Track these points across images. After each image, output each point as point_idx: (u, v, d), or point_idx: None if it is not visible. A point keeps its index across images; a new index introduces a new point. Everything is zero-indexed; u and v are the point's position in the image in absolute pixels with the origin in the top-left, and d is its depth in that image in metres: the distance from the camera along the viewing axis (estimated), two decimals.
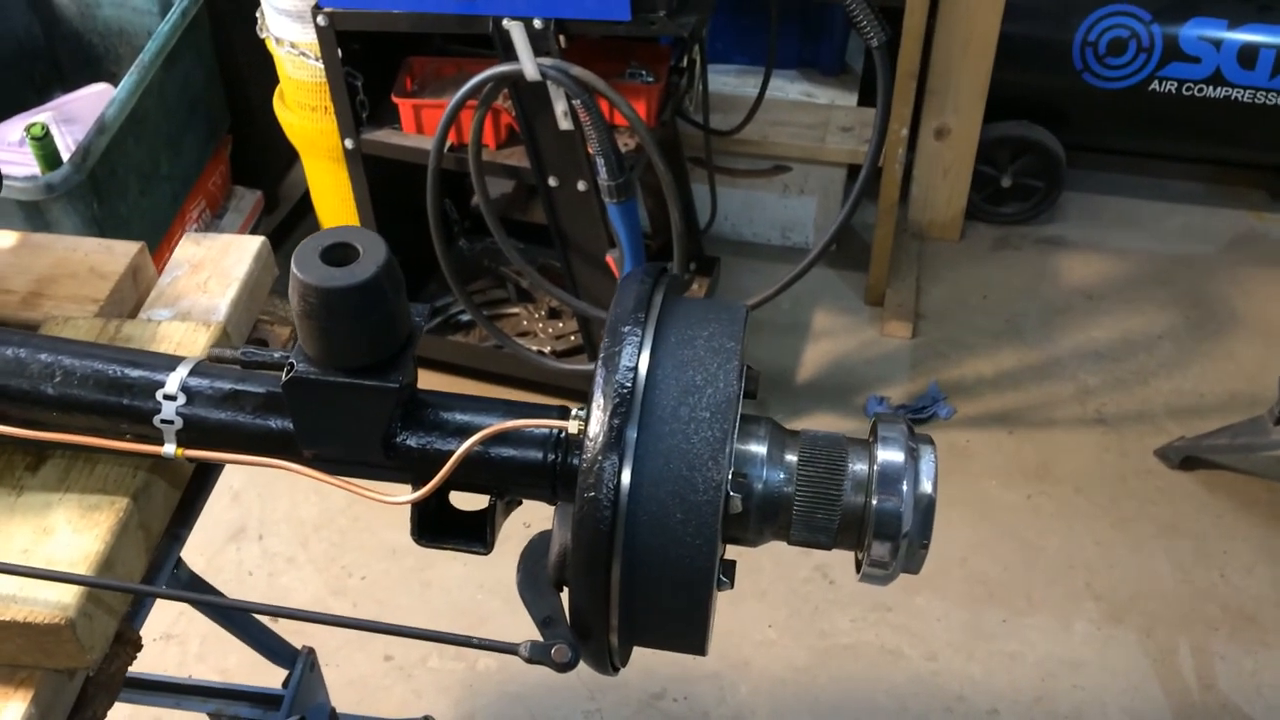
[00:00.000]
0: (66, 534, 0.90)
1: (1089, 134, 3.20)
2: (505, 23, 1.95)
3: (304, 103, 2.40)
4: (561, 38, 1.95)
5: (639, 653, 2.19)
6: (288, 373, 0.82)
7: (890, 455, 0.80)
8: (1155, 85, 2.99)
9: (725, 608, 2.38)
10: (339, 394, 0.82)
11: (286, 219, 3.08)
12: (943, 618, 2.32)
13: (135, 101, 2.37)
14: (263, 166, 3.16)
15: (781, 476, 0.81)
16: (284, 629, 1.71)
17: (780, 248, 3.22)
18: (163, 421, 0.89)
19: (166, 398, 0.89)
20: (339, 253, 0.79)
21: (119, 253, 1.25)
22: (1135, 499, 2.54)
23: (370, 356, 0.81)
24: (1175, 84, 2.98)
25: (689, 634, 0.79)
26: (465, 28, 2.01)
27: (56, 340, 0.93)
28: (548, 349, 2.66)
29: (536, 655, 0.78)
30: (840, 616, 2.34)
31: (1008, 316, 3.02)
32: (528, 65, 1.93)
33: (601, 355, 0.77)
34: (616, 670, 0.84)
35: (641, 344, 0.77)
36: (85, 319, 1.09)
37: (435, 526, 0.90)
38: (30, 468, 0.95)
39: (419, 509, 0.89)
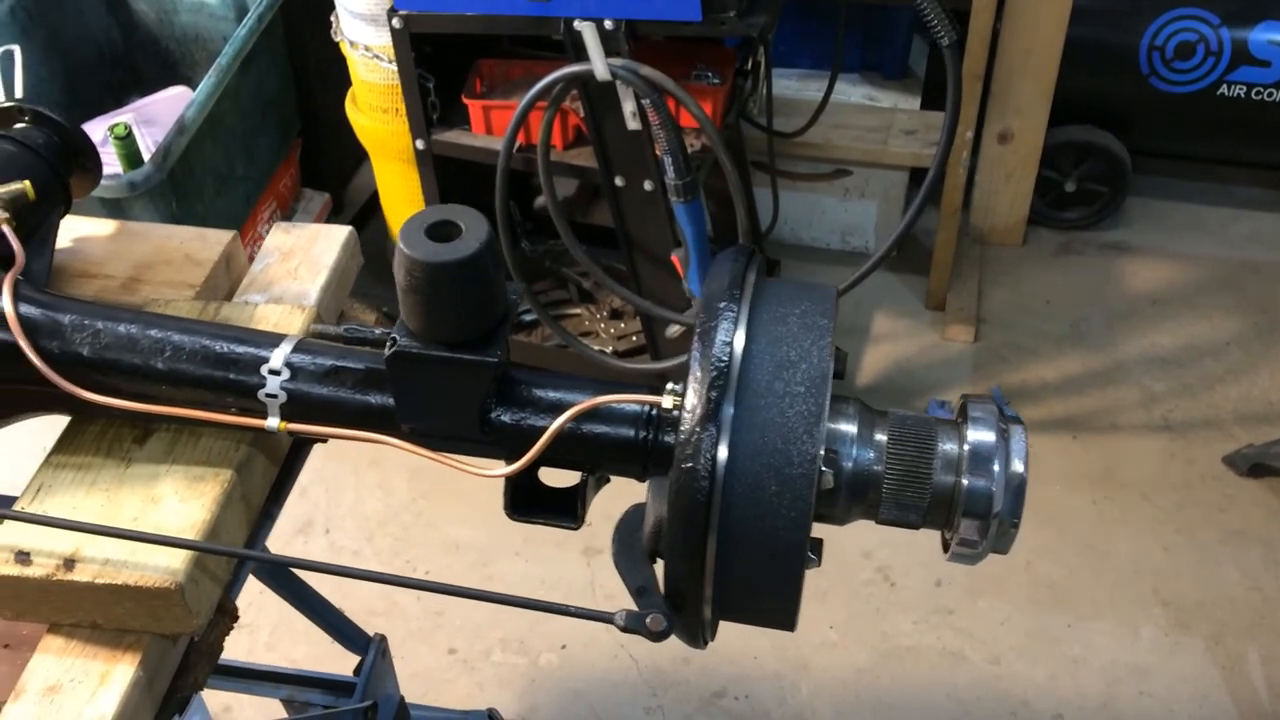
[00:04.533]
0: (174, 503, 0.93)
1: (1155, 139, 3.17)
2: (576, 24, 1.98)
3: (376, 105, 2.45)
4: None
5: (696, 652, 2.19)
6: (390, 347, 0.85)
7: (981, 435, 0.81)
8: (1224, 89, 2.96)
9: None
10: (440, 368, 0.84)
11: (354, 220, 3.13)
12: (1006, 621, 2.31)
13: (213, 104, 2.43)
14: (330, 169, 3.22)
15: (871, 455, 0.83)
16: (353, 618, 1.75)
17: (840, 252, 3.22)
18: (267, 396, 0.92)
19: (271, 372, 0.92)
20: (443, 229, 0.82)
21: (213, 241, 1.29)
22: (1202, 506, 2.51)
23: (470, 332, 0.84)
24: (1244, 88, 2.95)
25: (780, 607, 0.80)
26: (536, 29, 2.04)
27: (164, 318, 0.97)
28: (609, 349, 2.68)
29: (632, 624, 0.80)
30: (902, 619, 2.33)
31: (1071, 321, 2.99)
32: (599, 65, 1.95)
33: (698, 331, 0.79)
34: (705, 644, 0.85)
35: (738, 319, 0.78)
36: (185, 302, 1.13)
37: (527, 501, 0.92)
38: (138, 440, 0.98)
39: (512, 483, 0.91)
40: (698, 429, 0.75)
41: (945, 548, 0.86)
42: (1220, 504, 2.52)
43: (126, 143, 2.26)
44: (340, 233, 1.31)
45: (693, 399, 0.76)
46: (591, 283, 2.87)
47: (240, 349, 0.93)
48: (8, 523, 0.92)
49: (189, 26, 2.89)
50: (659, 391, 0.88)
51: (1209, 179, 3.40)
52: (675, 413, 0.83)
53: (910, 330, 2.98)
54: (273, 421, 0.92)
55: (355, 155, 3.46)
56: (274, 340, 0.94)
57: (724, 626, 0.87)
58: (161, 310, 1.11)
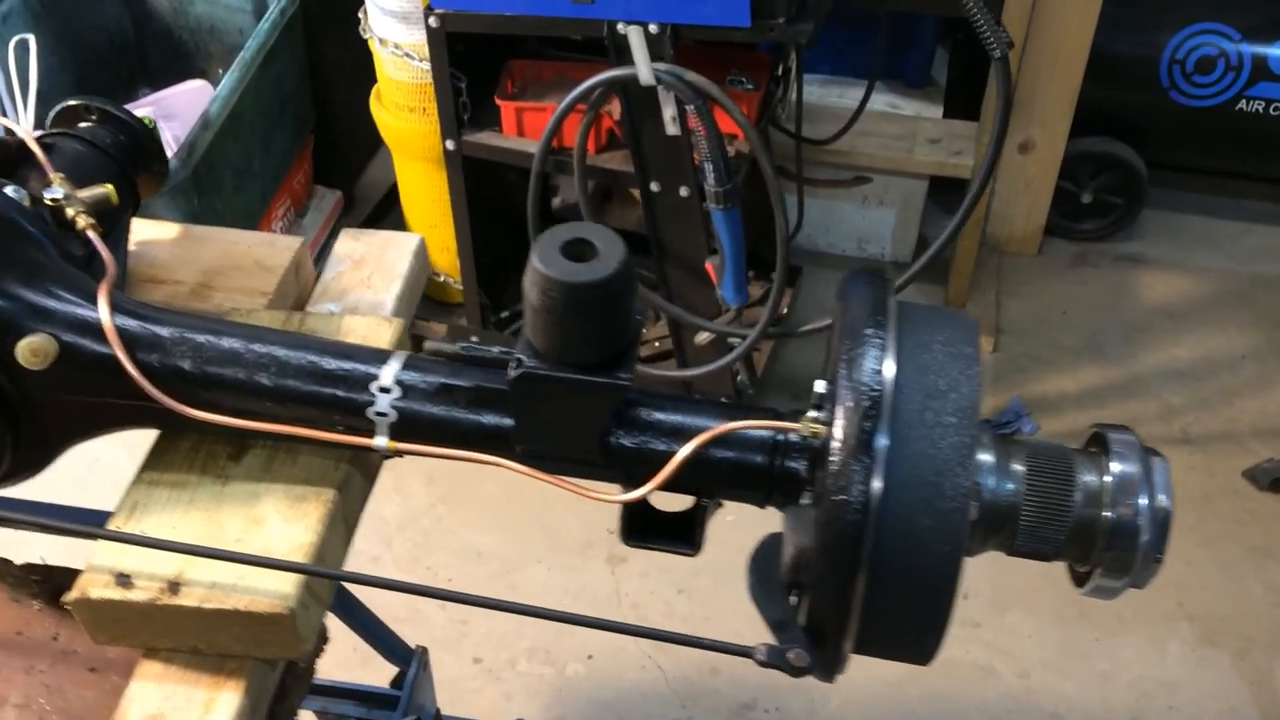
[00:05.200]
0: (278, 524, 0.90)
1: (1173, 152, 3.18)
2: (620, 27, 1.95)
3: (402, 104, 2.41)
4: None
5: (725, 663, 2.17)
6: (516, 368, 0.82)
7: (1125, 467, 0.80)
8: (1243, 104, 2.97)
9: None
10: (567, 390, 0.82)
11: (368, 219, 3.09)
12: (1034, 635, 2.30)
13: (235, 99, 2.39)
14: (340, 166, 3.18)
15: (1011, 486, 0.81)
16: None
17: (856, 259, 3.21)
18: (376, 414, 0.89)
19: (381, 390, 0.89)
20: (577, 248, 0.79)
21: (281, 246, 1.25)
22: (1224, 520, 2.52)
23: (602, 353, 0.81)
24: (1263, 103, 2.96)
25: (922, 643, 0.79)
26: (578, 31, 2.02)
27: (264, 330, 0.93)
28: None
29: (772, 659, 0.78)
30: None
31: (1089, 333, 3.00)
32: (643, 70, 1.93)
33: (843, 357, 0.77)
34: (835, 678, 0.83)
35: (885, 347, 0.76)
36: (266, 312, 1.10)
37: (643, 527, 0.89)
38: (232, 457, 0.95)
39: (629, 509, 0.89)
40: (851, 461, 0.73)
41: (1078, 581, 0.84)
42: (1241, 518, 2.53)
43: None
44: (411, 241, 1.27)
45: (844, 429, 0.74)
46: None
47: (348, 365, 0.90)
48: (101, 543, 0.88)
49: (204, 18, 2.84)
50: (786, 417, 0.86)
51: (1219, 192, 3.41)
52: (810, 441, 0.81)
53: None
54: (381, 440, 0.89)
55: (365, 152, 3.42)
56: (381, 356, 0.91)
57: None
58: (244, 320, 1.08)
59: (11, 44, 2.50)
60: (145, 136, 1.19)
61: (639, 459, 0.86)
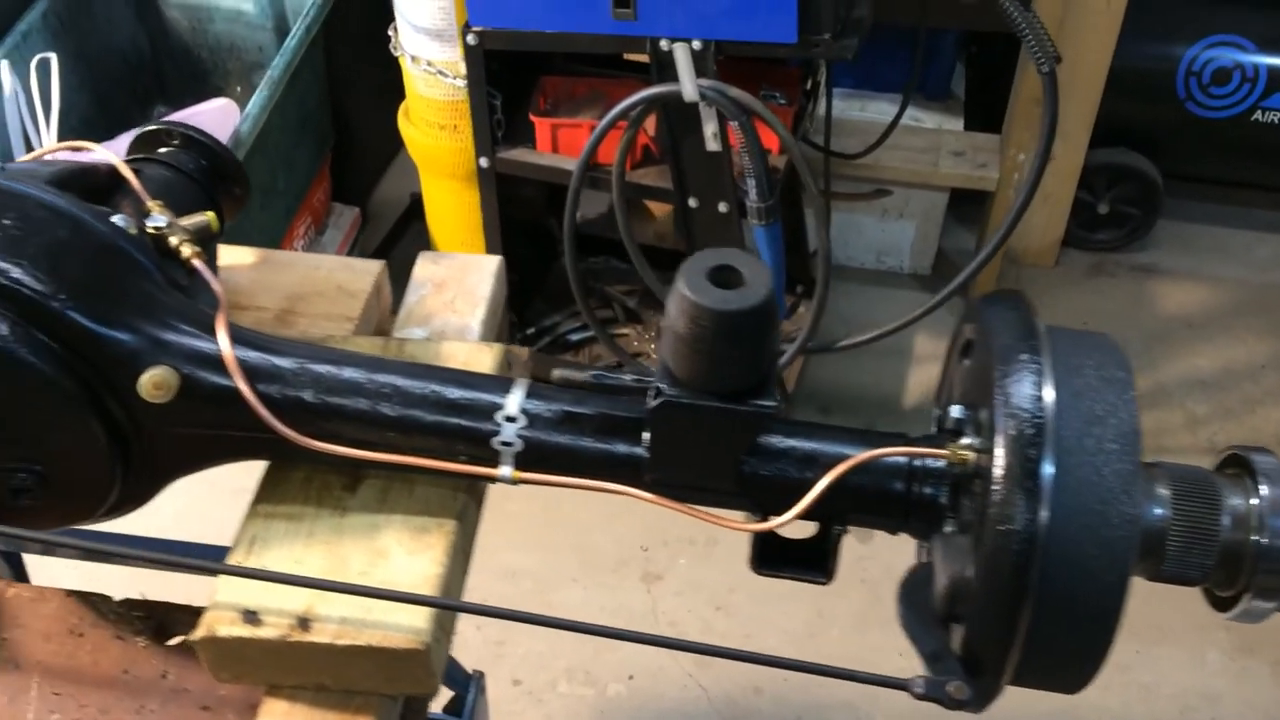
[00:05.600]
0: (400, 556, 0.88)
1: (1189, 162, 3.20)
2: (663, 44, 1.95)
3: (433, 121, 2.40)
4: None
5: (768, 681, 2.16)
6: (655, 396, 0.81)
7: (1275, 490, 0.79)
8: (1258, 115, 3.00)
9: (854, 635, 2.37)
10: (709, 418, 0.81)
11: (388, 237, 3.07)
12: None
13: (265, 117, 2.37)
14: (355, 182, 3.17)
15: (1158, 511, 0.80)
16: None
17: (874, 271, 3.22)
18: (502, 444, 0.87)
19: (507, 419, 0.87)
20: (724, 275, 0.78)
21: (361, 270, 1.24)
22: None
23: (746, 381, 0.80)
24: (1277, 115, 2.98)
25: (1079, 672, 0.78)
26: (619, 48, 2.01)
27: (384, 360, 0.92)
28: None
29: (931, 692, 0.77)
30: None
31: None
32: (688, 86, 1.92)
33: (1000, 383, 0.76)
34: (986, 709, 0.83)
35: (1043, 372, 0.76)
36: (364, 338, 1.08)
37: (774, 556, 0.88)
38: (348, 488, 0.93)
39: (760, 538, 0.87)
40: (1016, 489, 0.72)
41: (1219, 606, 0.84)
42: None
43: None
44: (491, 263, 1.26)
45: (1007, 457, 0.73)
46: (637, 302, 2.84)
47: (472, 394, 0.88)
48: (224, 579, 0.86)
49: (223, 35, 2.82)
50: (917, 442, 0.85)
51: (1230, 202, 3.44)
52: (953, 467, 0.80)
53: None
54: (506, 470, 0.88)
55: (379, 168, 3.40)
56: (504, 385, 0.90)
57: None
58: (340, 346, 1.06)
59: (34, 63, 2.48)
60: (227, 160, 1.17)
61: (773, 487, 0.85)
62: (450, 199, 2.55)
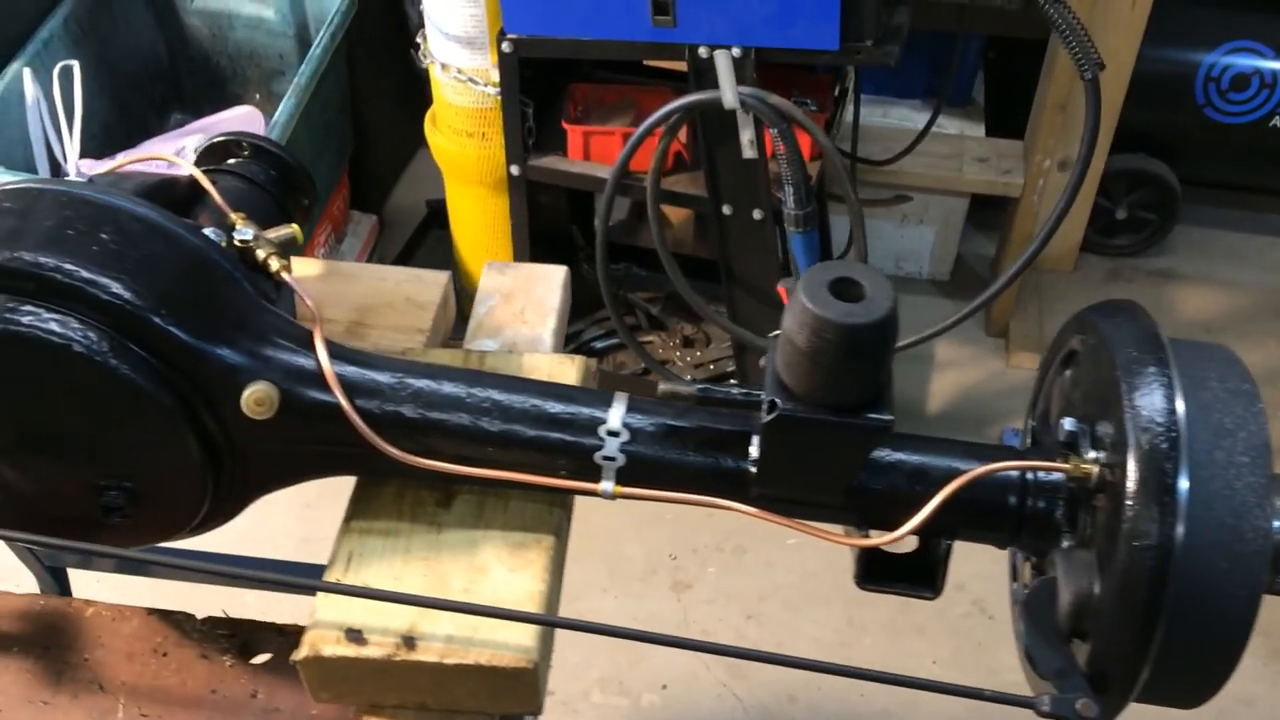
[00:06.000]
0: (501, 573, 0.87)
1: (1206, 168, 3.20)
2: (702, 51, 1.94)
3: (461, 129, 2.38)
4: None
5: (802, 689, 2.14)
6: (770, 411, 0.80)
7: None
8: (1276, 121, 3.00)
9: (887, 642, 2.36)
10: (826, 432, 0.80)
11: (408, 245, 3.05)
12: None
13: (293, 125, 2.35)
14: (370, 189, 3.15)
15: None
16: None
17: (893, 277, 3.19)
18: (604, 458, 0.86)
19: (610, 434, 0.86)
20: (846, 288, 0.77)
21: (429, 282, 1.23)
22: None
23: (865, 394, 0.79)
24: None
25: (1203, 687, 0.77)
26: (656, 55, 2.00)
27: (479, 374, 0.91)
28: (688, 377, 2.64)
29: (1058, 710, 0.76)
30: (1004, 652, 2.29)
31: None
32: (728, 94, 1.91)
33: (1129, 396, 0.75)
34: None
35: (1172, 385, 0.75)
36: (444, 350, 1.07)
37: (880, 570, 0.87)
38: (441, 504, 0.92)
39: (866, 553, 0.86)
40: (1151, 505, 0.71)
41: None
42: None
43: None
44: (557, 274, 1.25)
45: (1140, 471, 0.72)
46: (660, 309, 2.83)
47: (573, 409, 0.87)
48: (323, 597, 0.85)
49: (244, 42, 2.80)
50: (1026, 456, 0.84)
51: (1243, 207, 3.44)
52: (1071, 482, 0.79)
53: (974, 357, 2.98)
54: (607, 485, 0.87)
55: (394, 174, 3.39)
56: (604, 399, 0.88)
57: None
58: (420, 358, 1.05)
59: (56, 70, 2.46)
60: (297, 170, 1.16)
61: (881, 501, 0.84)
62: (476, 206, 2.53)
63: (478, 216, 2.56)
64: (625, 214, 3.19)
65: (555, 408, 0.87)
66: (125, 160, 1.01)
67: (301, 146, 2.54)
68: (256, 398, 0.82)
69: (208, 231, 0.90)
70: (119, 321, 0.80)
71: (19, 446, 0.82)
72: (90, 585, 1.42)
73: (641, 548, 2.49)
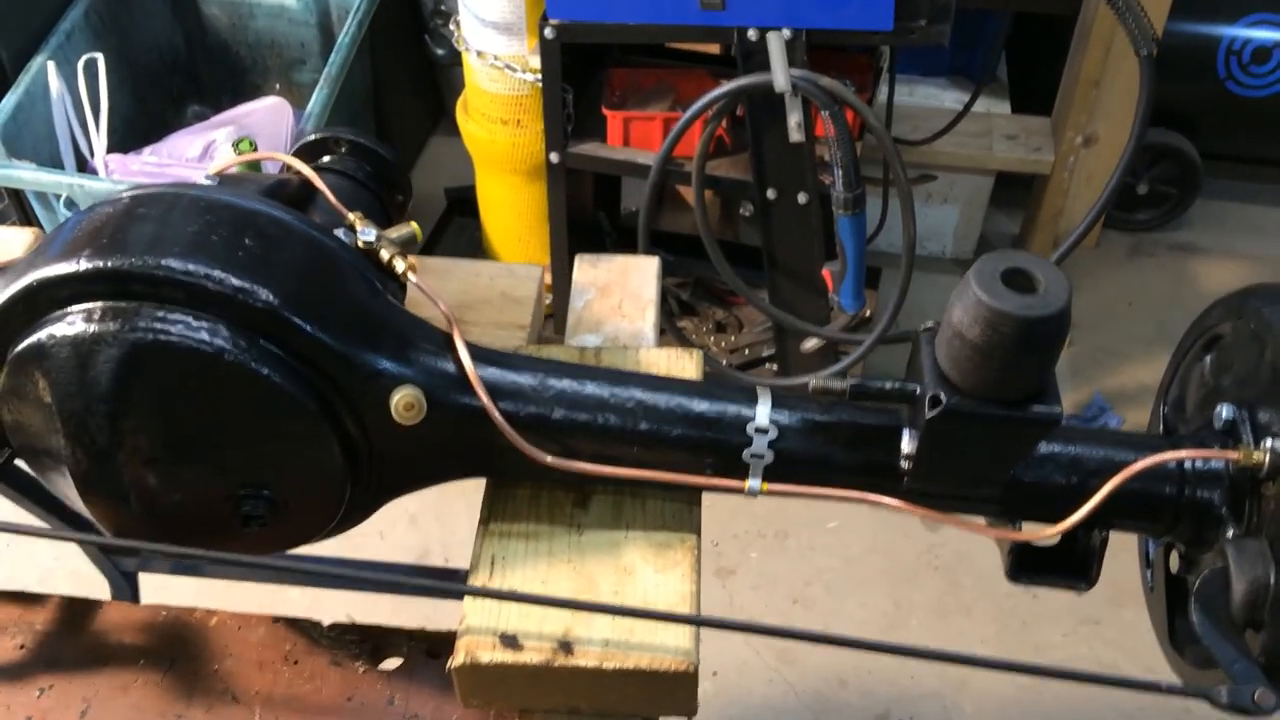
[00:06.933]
0: (649, 574, 0.86)
1: (1228, 142, 3.20)
2: (752, 34, 1.92)
3: (495, 116, 2.36)
4: None
5: (852, 673, 2.14)
6: (934, 406, 0.78)
7: None
8: None
9: (934, 623, 2.36)
10: (993, 427, 0.78)
11: (433, 233, 3.02)
12: (1151, 630, 2.30)
13: (326, 116, 2.32)
14: None
15: None
16: None
17: (917, 257, 3.20)
18: (753, 456, 0.85)
19: (758, 431, 0.85)
20: (1018, 279, 0.76)
21: (523, 276, 1.21)
22: None
23: (1032, 387, 0.78)
24: None
25: None
26: (704, 39, 1.98)
27: (621, 373, 0.89)
28: (723, 362, 2.62)
29: (1236, 700, 0.75)
30: (1050, 630, 2.32)
31: (1156, 324, 3.01)
32: (780, 77, 1.89)
33: None
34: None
35: None
36: (558, 347, 1.05)
37: (1033, 563, 0.86)
38: (578, 504, 0.91)
39: (1019, 546, 0.86)
40: None
41: None
42: None
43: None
44: (650, 265, 1.23)
45: None
46: (690, 294, 2.82)
47: (719, 406, 0.86)
48: (473, 603, 0.83)
49: (264, 32, 2.76)
50: (1182, 445, 0.83)
51: (1259, 179, 3.45)
52: (1238, 470, 0.79)
53: None
54: (754, 483, 0.86)
55: (409, 163, 3.35)
56: (750, 395, 0.87)
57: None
58: (538, 357, 1.04)
59: (80, 64, 2.42)
60: (392, 166, 1.13)
61: (1035, 494, 0.84)
62: (509, 194, 2.51)
63: (510, 204, 2.54)
64: (647, 199, 3.16)
65: (701, 405, 0.86)
66: (234, 160, 0.98)
67: None
68: (406, 402, 0.81)
69: (339, 233, 0.88)
70: (268, 328, 0.78)
71: (164, 455, 0.80)
72: (156, 591, 1.40)
73: None
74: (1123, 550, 0.94)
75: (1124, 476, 0.79)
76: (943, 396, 0.78)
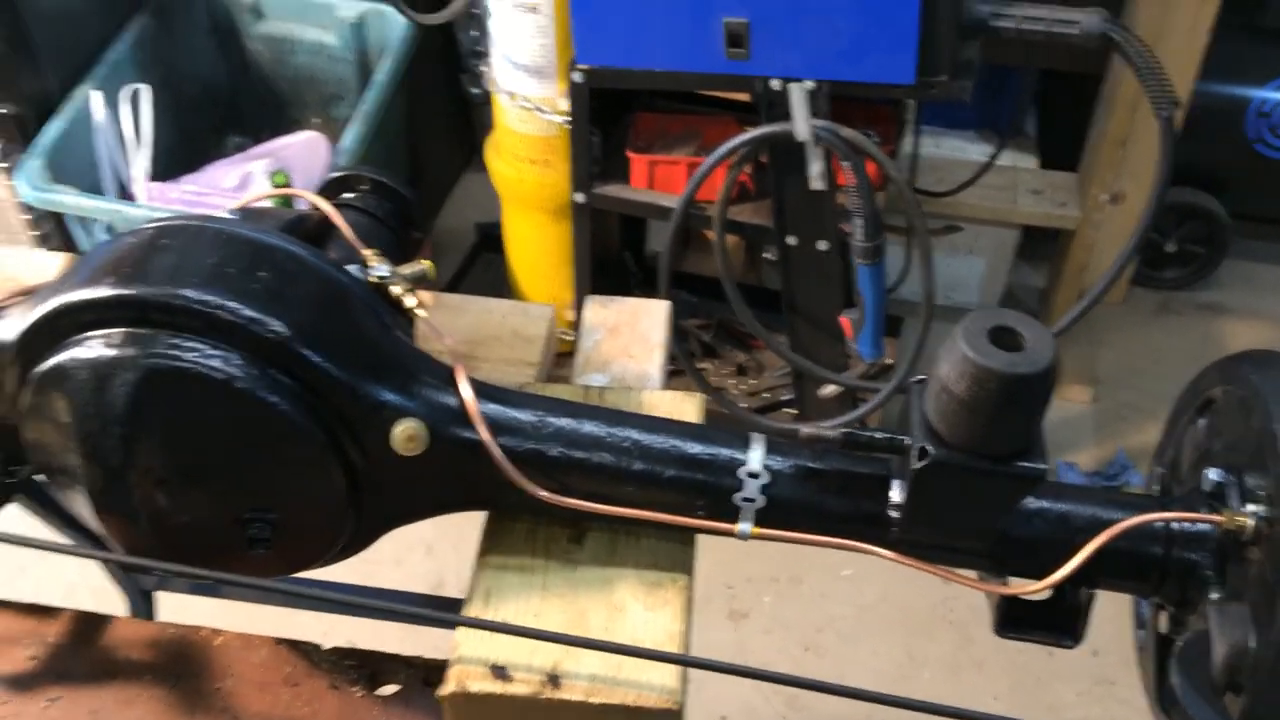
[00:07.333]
0: (639, 611, 0.88)
1: (1256, 203, 3.20)
2: (775, 84, 1.95)
3: (524, 155, 2.40)
4: None
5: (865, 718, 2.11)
6: (921, 458, 0.80)
7: None
8: None
9: (947, 676, 2.35)
10: (978, 480, 0.80)
11: (458, 273, 3.06)
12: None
13: (362, 151, 2.37)
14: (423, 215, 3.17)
15: None
16: None
17: (942, 307, 3.19)
18: (744, 500, 0.87)
19: (750, 475, 0.87)
20: (1005, 337, 0.77)
21: (534, 315, 1.24)
22: None
23: (1019, 442, 0.79)
24: None
25: None
26: (728, 88, 2.02)
27: (619, 413, 0.91)
28: (743, 405, 2.64)
29: None
30: (1064, 689, 2.30)
31: (1183, 382, 2.98)
32: (801, 126, 1.92)
33: None
34: None
35: None
36: (563, 386, 1.08)
37: (1019, 618, 0.87)
38: (574, 540, 0.93)
39: (1007, 600, 0.87)
40: None
41: None
42: None
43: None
44: (660, 308, 1.26)
45: None
46: (711, 336, 2.84)
47: (713, 449, 0.88)
48: (465, 633, 0.85)
49: (304, 68, 2.83)
50: (1169, 507, 0.84)
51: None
52: (1223, 533, 0.80)
53: None
54: (745, 527, 0.87)
55: (441, 198, 3.41)
56: (743, 440, 0.89)
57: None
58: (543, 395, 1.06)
59: (124, 94, 2.49)
60: (410, 204, 1.17)
61: (1023, 549, 0.85)
62: (536, 233, 2.55)
63: (536, 242, 2.58)
64: (669, 241, 3.20)
65: (695, 448, 0.88)
66: (260, 195, 1.02)
67: None
68: (408, 434, 0.83)
69: (352, 268, 0.91)
70: (279, 358, 0.81)
71: (175, 476, 0.83)
72: (174, 611, 1.43)
73: (697, 576, 2.49)
74: None
75: (1109, 535, 0.80)
76: (929, 449, 0.80)
